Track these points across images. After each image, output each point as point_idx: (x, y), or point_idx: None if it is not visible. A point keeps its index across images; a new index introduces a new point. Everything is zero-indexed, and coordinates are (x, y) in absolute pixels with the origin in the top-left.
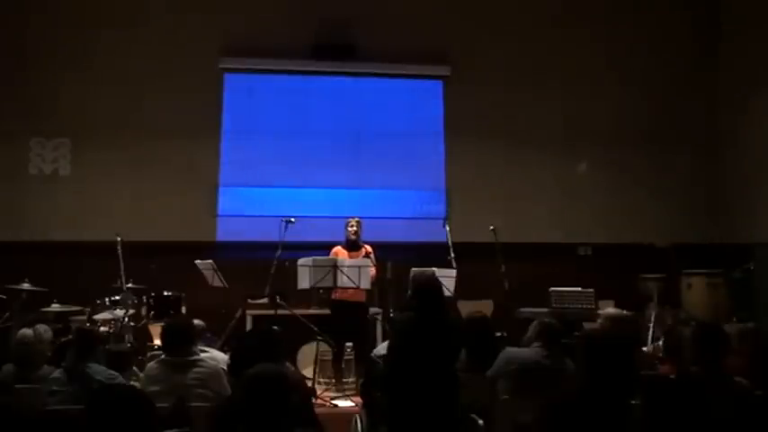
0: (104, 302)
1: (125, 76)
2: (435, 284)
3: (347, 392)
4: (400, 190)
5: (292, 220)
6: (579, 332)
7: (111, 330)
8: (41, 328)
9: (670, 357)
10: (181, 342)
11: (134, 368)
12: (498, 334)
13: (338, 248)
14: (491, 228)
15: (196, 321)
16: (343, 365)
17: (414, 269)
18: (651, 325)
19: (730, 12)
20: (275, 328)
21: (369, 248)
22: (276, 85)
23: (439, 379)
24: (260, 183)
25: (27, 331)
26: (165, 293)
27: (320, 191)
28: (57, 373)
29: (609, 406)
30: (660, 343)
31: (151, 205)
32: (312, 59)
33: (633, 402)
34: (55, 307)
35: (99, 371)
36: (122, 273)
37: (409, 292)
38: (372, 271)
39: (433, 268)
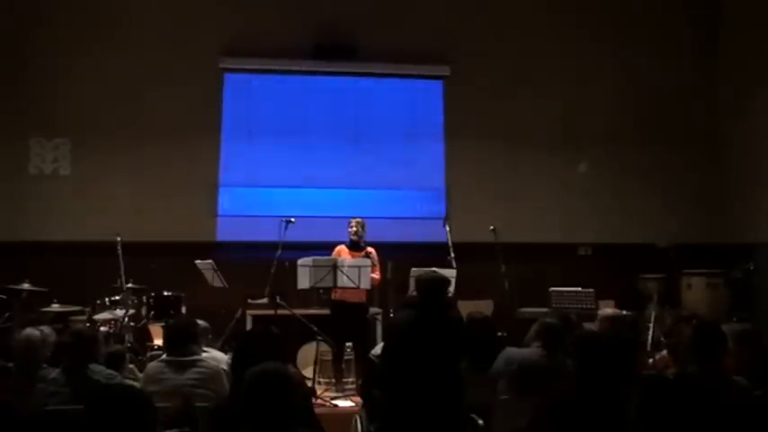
0: (104, 302)
1: (125, 76)
2: (439, 282)
3: (347, 392)
4: (400, 190)
5: (292, 220)
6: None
7: (111, 330)
8: (46, 330)
9: (671, 356)
10: (184, 342)
11: (132, 367)
12: (498, 334)
13: (341, 247)
14: (491, 228)
15: (200, 322)
16: (343, 365)
17: (414, 269)
18: (651, 325)
19: (730, 11)
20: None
21: (370, 250)
22: (276, 85)
23: (439, 377)
24: (260, 183)
25: (33, 332)
26: (165, 293)
27: (320, 191)
28: (56, 374)
29: (606, 406)
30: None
31: (151, 205)
32: (312, 59)
33: (631, 402)
34: (55, 307)
35: (98, 371)
36: (122, 273)
37: (412, 290)
38: (375, 275)
39: (434, 268)
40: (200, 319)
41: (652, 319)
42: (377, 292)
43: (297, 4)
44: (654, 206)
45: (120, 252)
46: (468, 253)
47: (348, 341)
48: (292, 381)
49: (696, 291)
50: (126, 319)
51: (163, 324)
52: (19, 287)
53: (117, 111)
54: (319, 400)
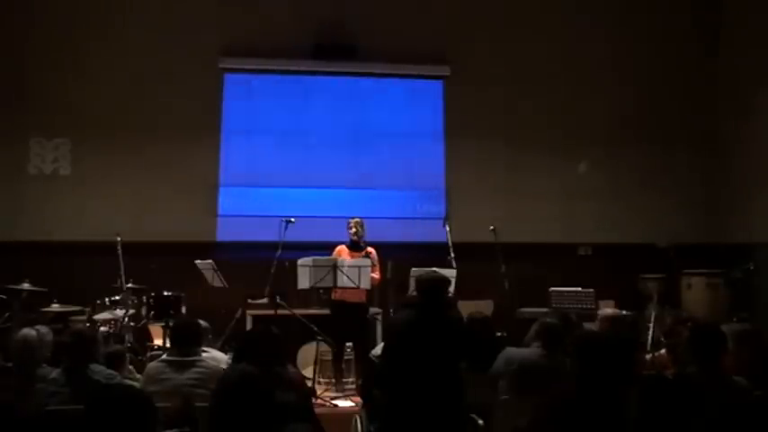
0: (104, 302)
1: (125, 76)
2: (439, 282)
3: (347, 392)
4: (400, 190)
5: (292, 220)
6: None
7: (111, 330)
8: (43, 329)
9: (669, 356)
10: (189, 342)
11: (131, 368)
12: (498, 334)
13: (341, 247)
14: (491, 228)
15: (200, 322)
16: (343, 365)
17: (414, 269)
18: (651, 325)
19: (730, 12)
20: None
21: (370, 250)
22: (276, 85)
23: (439, 377)
24: (260, 183)
25: (30, 331)
26: (165, 293)
27: (320, 191)
28: (56, 374)
29: (606, 406)
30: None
31: (151, 205)
32: (312, 59)
33: (631, 402)
34: (55, 307)
35: (98, 371)
36: (122, 273)
37: (412, 290)
38: (375, 275)
39: (434, 268)
40: (201, 319)
41: (652, 319)
42: (377, 292)
43: (297, 4)
44: (654, 206)
45: (120, 252)
46: (468, 253)
47: (348, 341)
48: (262, 382)
49: (696, 291)
50: (126, 319)
51: (163, 324)
52: (19, 287)
53: (117, 111)
54: (319, 400)
